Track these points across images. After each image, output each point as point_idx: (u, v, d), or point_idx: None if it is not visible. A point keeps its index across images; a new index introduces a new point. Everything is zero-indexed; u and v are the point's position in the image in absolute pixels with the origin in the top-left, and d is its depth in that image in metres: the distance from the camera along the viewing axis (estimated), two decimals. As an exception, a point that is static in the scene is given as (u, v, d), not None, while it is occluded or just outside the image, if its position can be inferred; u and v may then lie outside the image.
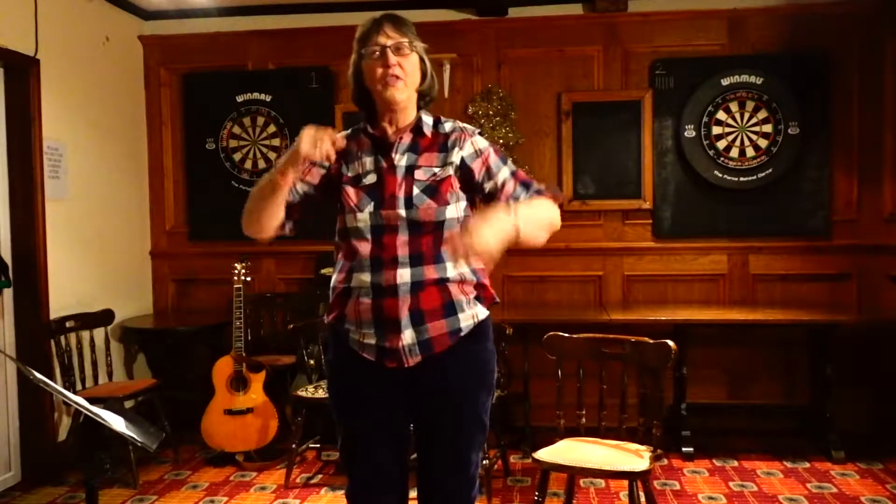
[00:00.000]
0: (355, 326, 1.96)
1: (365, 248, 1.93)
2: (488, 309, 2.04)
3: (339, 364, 2.05)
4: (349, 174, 1.99)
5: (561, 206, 2.11)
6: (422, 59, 1.99)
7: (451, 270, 1.93)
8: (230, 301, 4.30)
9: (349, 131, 2.09)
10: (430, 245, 1.92)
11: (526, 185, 2.05)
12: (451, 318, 1.94)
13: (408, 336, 1.91)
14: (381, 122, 2.01)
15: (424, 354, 1.93)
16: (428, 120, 2.03)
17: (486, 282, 2.04)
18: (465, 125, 2.07)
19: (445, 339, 1.94)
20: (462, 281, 1.96)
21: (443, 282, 1.93)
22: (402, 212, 1.91)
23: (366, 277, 1.92)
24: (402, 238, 1.91)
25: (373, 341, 1.94)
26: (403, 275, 1.89)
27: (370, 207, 1.92)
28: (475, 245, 1.70)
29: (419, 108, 2.04)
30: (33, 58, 4.03)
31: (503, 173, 2.04)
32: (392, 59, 1.91)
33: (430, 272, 1.91)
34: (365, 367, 1.97)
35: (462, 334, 1.96)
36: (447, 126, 2.04)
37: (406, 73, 1.94)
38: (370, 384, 1.99)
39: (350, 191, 1.96)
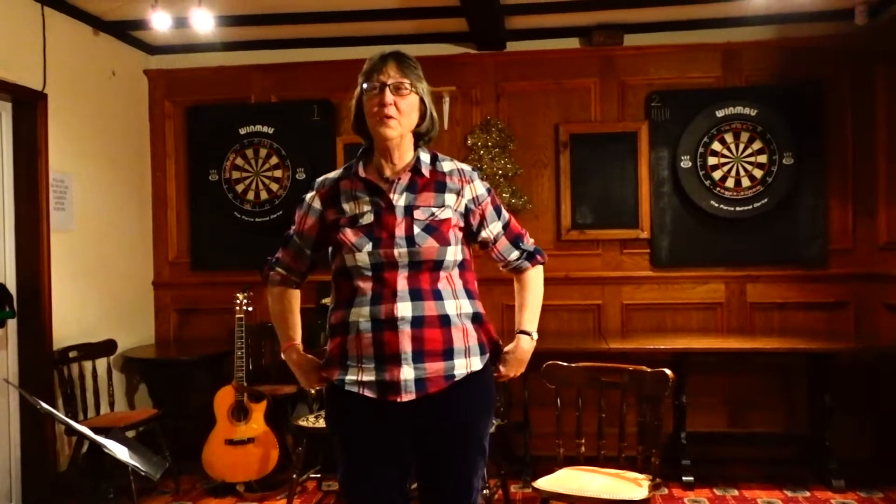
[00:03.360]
0: (356, 361, 1.98)
1: (366, 285, 1.96)
2: (490, 351, 2.08)
3: (340, 407, 2.05)
4: (346, 215, 2.01)
5: (544, 262, 2.26)
6: (422, 101, 2.01)
7: (452, 308, 1.98)
8: (232, 331, 4.34)
9: (341, 171, 2.12)
10: (429, 282, 1.96)
11: (516, 244, 2.18)
12: (448, 362, 1.97)
13: (406, 371, 1.93)
14: (378, 158, 2.03)
15: (419, 393, 1.95)
16: (425, 158, 2.05)
17: (488, 321, 2.11)
18: (463, 167, 2.10)
19: (440, 381, 1.96)
20: (464, 323, 2.00)
21: (446, 321, 1.97)
22: (404, 250, 1.94)
23: (365, 311, 1.95)
24: (403, 274, 1.94)
25: (372, 377, 1.96)
26: (403, 308, 1.93)
27: (368, 247, 1.95)
28: (514, 375, 2.22)
29: (416, 147, 2.06)
30: (41, 92, 4.11)
31: (496, 227, 2.13)
32: (389, 97, 1.94)
33: (431, 308, 1.95)
34: (365, 406, 1.98)
35: (455, 380, 1.98)
36: (445, 165, 2.07)
37: (401, 113, 1.96)
38: (372, 422, 2.00)
39: (348, 231, 1.98)
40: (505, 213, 2.16)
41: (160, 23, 4.22)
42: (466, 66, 5.02)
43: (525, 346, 2.18)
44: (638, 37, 4.89)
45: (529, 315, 2.20)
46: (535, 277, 2.22)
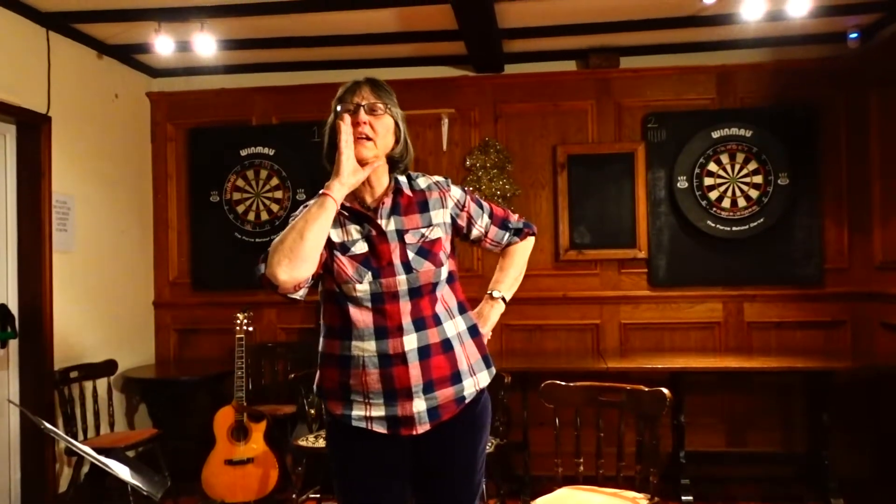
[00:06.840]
0: (362, 397, 1.95)
1: (366, 317, 1.93)
2: (489, 366, 2.09)
3: (345, 443, 2.02)
4: (335, 239, 1.95)
5: (534, 233, 2.30)
6: (397, 125, 1.99)
7: (451, 329, 1.99)
8: (232, 351, 4.35)
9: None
10: (429, 307, 1.96)
11: (504, 226, 2.21)
12: (457, 385, 1.98)
13: (418, 404, 1.93)
14: (357, 185, 1.93)
15: (433, 422, 1.95)
16: (403, 179, 2.04)
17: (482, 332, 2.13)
18: (437, 179, 2.10)
19: (452, 407, 1.98)
20: (464, 341, 2.01)
21: (448, 346, 1.97)
22: (403, 277, 1.92)
23: (370, 346, 1.92)
24: (405, 305, 1.92)
25: (381, 412, 1.94)
26: (410, 341, 1.91)
27: (369, 277, 1.92)
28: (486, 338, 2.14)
29: (391, 173, 2.02)
30: (45, 115, 4.16)
31: (483, 220, 2.16)
32: (363, 117, 1.92)
33: (434, 335, 1.95)
34: (374, 441, 1.97)
35: (466, 402, 2.00)
36: (421, 182, 2.06)
37: (376, 133, 1.93)
38: (379, 456, 1.99)
39: (343, 260, 1.93)
40: (485, 203, 2.18)
41: (163, 47, 4.29)
42: (465, 89, 5.08)
43: (498, 309, 2.22)
44: (634, 59, 4.96)
45: (505, 279, 2.25)
46: (522, 247, 2.27)
